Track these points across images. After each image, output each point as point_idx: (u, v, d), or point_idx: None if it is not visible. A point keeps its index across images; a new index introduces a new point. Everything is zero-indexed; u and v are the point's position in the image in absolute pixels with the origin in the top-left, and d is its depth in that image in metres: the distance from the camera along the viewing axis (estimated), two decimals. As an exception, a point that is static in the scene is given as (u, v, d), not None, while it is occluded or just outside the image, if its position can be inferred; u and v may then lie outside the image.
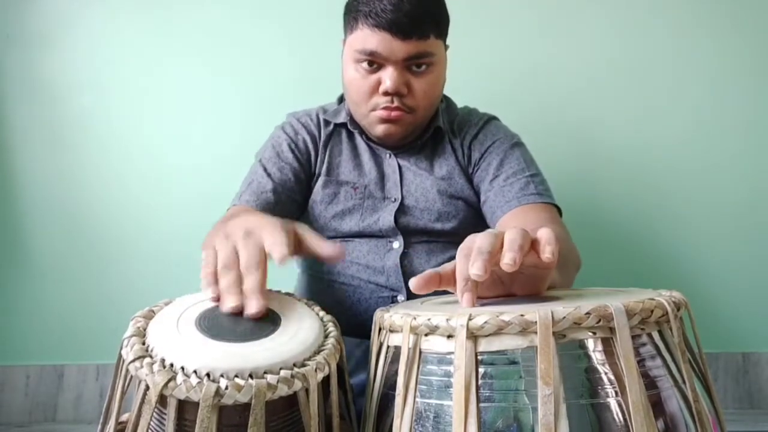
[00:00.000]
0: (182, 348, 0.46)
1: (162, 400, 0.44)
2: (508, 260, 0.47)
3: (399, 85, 0.86)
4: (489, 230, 0.52)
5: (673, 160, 1.33)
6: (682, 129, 1.34)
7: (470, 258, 0.49)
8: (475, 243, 0.50)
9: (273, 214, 0.89)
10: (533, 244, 0.51)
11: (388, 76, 0.85)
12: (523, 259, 0.48)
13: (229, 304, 0.51)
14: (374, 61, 0.86)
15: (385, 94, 0.87)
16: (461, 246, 0.52)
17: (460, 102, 1.04)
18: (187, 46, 1.35)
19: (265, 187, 0.91)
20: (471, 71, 1.29)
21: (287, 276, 0.98)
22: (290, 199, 0.93)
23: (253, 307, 0.50)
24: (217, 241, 0.56)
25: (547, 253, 0.49)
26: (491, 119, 1.01)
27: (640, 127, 1.34)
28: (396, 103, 0.87)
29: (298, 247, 0.61)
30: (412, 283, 0.53)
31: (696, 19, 1.35)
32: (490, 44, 1.36)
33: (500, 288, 0.56)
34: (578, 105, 1.35)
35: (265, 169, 0.93)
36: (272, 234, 0.55)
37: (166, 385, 0.43)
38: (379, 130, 0.90)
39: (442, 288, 0.54)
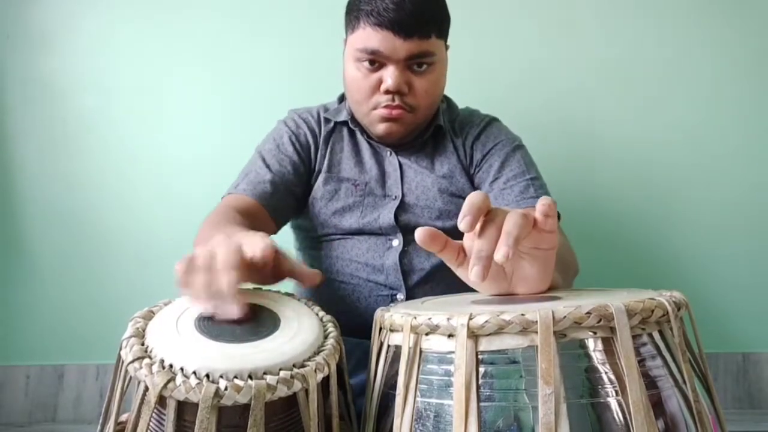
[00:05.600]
0: (181, 349, 0.46)
1: (161, 400, 0.44)
2: (501, 254, 0.48)
3: (400, 83, 0.86)
4: (516, 211, 0.52)
5: (672, 160, 1.33)
6: (681, 129, 1.34)
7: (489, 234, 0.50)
8: (505, 226, 0.50)
9: (269, 205, 0.89)
10: (535, 223, 0.52)
11: (389, 75, 0.85)
12: (518, 247, 0.50)
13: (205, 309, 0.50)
14: (376, 60, 0.86)
15: (387, 92, 0.87)
16: (484, 221, 0.52)
17: (459, 102, 1.04)
18: (188, 46, 1.35)
19: (263, 178, 0.90)
20: (470, 72, 1.29)
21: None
22: (288, 191, 0.92)
23: (230, 312, 0.49)
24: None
25: (539, 215, 0.51)
26: (493, 120, 1.01)
27: (638, 126, 1.34)
28: (397, 102, 0.87)
29: (277, 266, 0.58)
30: (418, 231, 0.53)
31: (693, 18, 1.35)
32: (489, 45, 1.35)
33: (502, 275, 0.56)
34: (577, 105, 1.35)
35: (264, 161, 0.93)
36: (252, 236, 0.55)
37: (165, 386, 0.43)
38: (380, 128, 0.90)
39: (443, 254, 0.55)
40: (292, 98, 1.11)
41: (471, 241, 0.54)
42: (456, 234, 0.94)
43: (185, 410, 0.44)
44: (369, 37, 0.84)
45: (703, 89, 1.34)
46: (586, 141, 1.35)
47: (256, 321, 0.51)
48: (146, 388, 0.44)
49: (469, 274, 0.50)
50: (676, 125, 1.34)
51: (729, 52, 1.34)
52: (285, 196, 0.92)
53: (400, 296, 0.88)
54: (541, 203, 0.51)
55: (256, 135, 1.01)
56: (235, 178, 0.93)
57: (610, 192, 1.34)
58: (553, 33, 1.36)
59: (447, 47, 0.92)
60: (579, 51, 1.35)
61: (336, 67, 0.95)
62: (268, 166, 0.92)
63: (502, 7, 1.36)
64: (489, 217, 0.52)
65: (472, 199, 0.51)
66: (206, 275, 0.50)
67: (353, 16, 0.87)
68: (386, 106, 0.88)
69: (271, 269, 0.57)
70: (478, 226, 0.51)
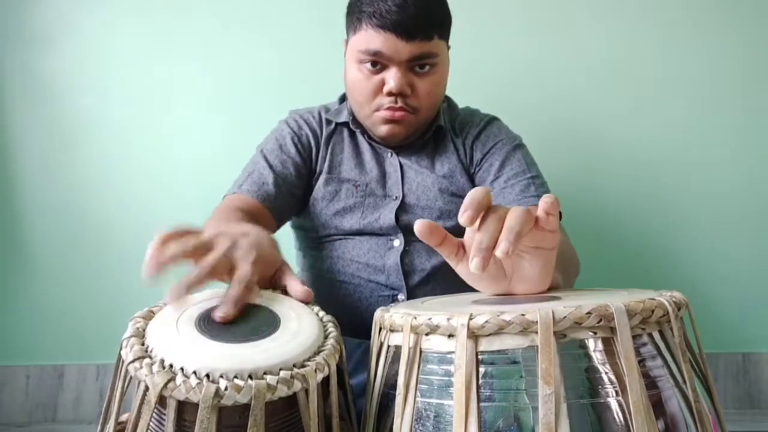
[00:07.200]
0: (182, 349, 0.46)
1: (161, 400, 0.44)
2: (502, 249, 0.48)
3: (403, 85, 0.86)
4: (518, 207, 0.52)
5: (671, 158, 1.33)
6: (680, 127, 1.34)
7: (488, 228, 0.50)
8: (507, 220, 0.50)
9: (272, 206, 0.89)
10: (537, 221, 0.51)
11: (392, 77, 0.85)
12: (519, 243, 0.49)
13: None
14: (378, 62, 0.86)
15: (389, 94, 0.87)
16: (490, 213, 0.51)
17: (458, 101, 1.04)
18: (188, 46, 1.35)
19: (266, 179, 0.90)
20: (468, 71, 1.28)
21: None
22: (290, 192, 0.92)
23: (225, 310, 0.50)
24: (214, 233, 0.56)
25: (541, 212, 0.50)
26: (493, 119, 1.01)
27: (637, 125, 1.34)
28: (400, 104, 0.87)
29: (278, 277, 0.60)
30: (417, 223, 0.53)
31: (690, 17, 1.35)
32: (488, 44, 1.36)
33: (502, 275, 0.56)
34: (574, 103, 1.35)
35: (267, 160, 0.92)
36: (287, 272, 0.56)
37: (165, 386, 0.43)
38: (383, 130, 0.90)
39: (442, 248, 0.55)
40: (292, 99, 1.11)
41: (471, 238, 0.54)
42: (457, 234, 0.94)
43: (185, 410, 0.44)
44: (371, 38, 0.84)
45: (702, 87, 1.34)
46: (585, 140, 1.35)
47: (256, 321, 0.51)
48: (146, 388, 0.44)
49: (470, 265, 0.49)
50: (676, 124, 1.34)
51: (727, 51, 1.34)
52: (287, 198, 0.92)
53: (402, 296, 0.88)
54: (544, 200, 0.51)
55: (256, 135, 1.01)
56: (237, 177, 0.93)
57: (609, 191, 1.34)
58: (551, 32, 1.36)
59: (448, 47, 0.92)
60: (577, 50, 1.35)
61: (335, 68, 0.95)
62: (271, 167, 0.92)
63: (501, 6, 1.36)
64: (490, 211, 0.51)
65: (474, 194, 0.51)
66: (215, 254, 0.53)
67: (355, 17, 0.87)
68: (389, 108, 0.88)
69: (270, 278, 0.59)
70: (478, 221, 0.51)
